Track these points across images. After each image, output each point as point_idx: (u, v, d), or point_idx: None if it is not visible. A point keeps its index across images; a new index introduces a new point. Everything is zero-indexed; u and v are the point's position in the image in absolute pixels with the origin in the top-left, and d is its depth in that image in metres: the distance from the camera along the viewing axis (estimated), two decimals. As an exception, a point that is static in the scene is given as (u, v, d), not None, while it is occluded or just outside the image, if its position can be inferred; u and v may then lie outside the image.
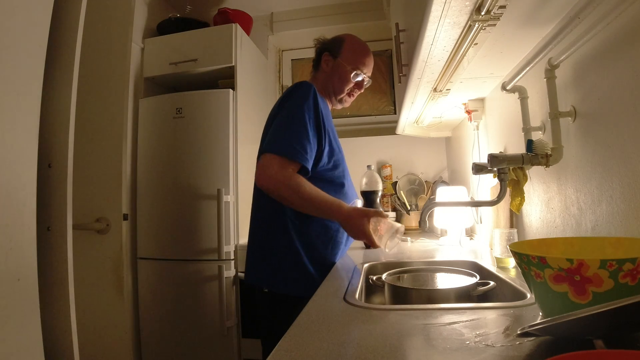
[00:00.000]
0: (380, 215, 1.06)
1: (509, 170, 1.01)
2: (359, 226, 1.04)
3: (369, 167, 1.64)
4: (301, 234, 1.15)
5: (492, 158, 0.93)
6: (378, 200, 1.52)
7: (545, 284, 0.49)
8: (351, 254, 1.37)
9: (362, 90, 1.34)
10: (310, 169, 1.09)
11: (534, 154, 0.91)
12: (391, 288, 0.87)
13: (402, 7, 1.47)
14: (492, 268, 0.99)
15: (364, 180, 1.57)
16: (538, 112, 1.00)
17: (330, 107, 1.35)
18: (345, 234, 1.20)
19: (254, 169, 1.35)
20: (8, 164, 0.77)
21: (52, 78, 0.96)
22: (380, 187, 1.55)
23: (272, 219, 1.17)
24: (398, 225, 1.06)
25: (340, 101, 1.32)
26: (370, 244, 1.07)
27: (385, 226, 1.05)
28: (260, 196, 1.20)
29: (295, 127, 1.08)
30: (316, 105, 1.13)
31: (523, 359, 0.44)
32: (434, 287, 0.89)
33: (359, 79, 1.30)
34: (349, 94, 1.32)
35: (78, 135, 1.03)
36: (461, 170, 1.92)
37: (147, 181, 1.98)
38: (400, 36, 1.38)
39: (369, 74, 1.33)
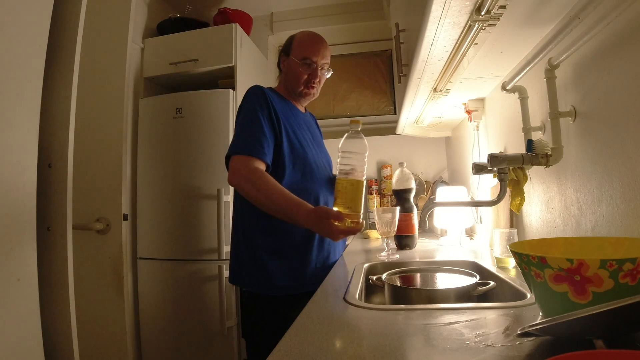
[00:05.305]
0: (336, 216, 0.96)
1: (509, 170, 1.01)
2: (325, 226, 0.97)
3: (400, 164, 1.50)
4: (266, 233, 1.16)
5: (492, 158, 0.93)
6: (412, 198, 1.41)
7: (545, 284, 0.49)
8: (351, 254, 1.37)
9: (319, 79, 1.27)
10: (270, 163, 1.13)
11: (534, 154, 0.91)
12: (391, 288, 0.87)
13: (402, 7, 1.47)
14: (492, 268, 0.99)
15: (395, 179, 1.46)
16: (538, 112, 1.00)
17: (301, 107, 1.34)
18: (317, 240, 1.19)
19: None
20: (8, 164, 0.77)
21: (52, 78, 0.96)
22: (413, 185, 1.44)
23: (239, 220, 1.22)
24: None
25: (301, 94, 1.28)
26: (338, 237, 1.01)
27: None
28: (235, 199, 1.25)
29: (250, 126, 1.13)
30: (267, 102, 1.17)
31: (523, 359, 0.44)
32: (434, 287, 0.88)
33: (310, 67, 1.24)
34: (309, 86, 1.27)
35: (78, 135, 1.03)
36: (461, 170, 1.92)
37: (147, 181, 1.98)
38: (400, 36, 1.38)
39: (324, 61, 1.27)
